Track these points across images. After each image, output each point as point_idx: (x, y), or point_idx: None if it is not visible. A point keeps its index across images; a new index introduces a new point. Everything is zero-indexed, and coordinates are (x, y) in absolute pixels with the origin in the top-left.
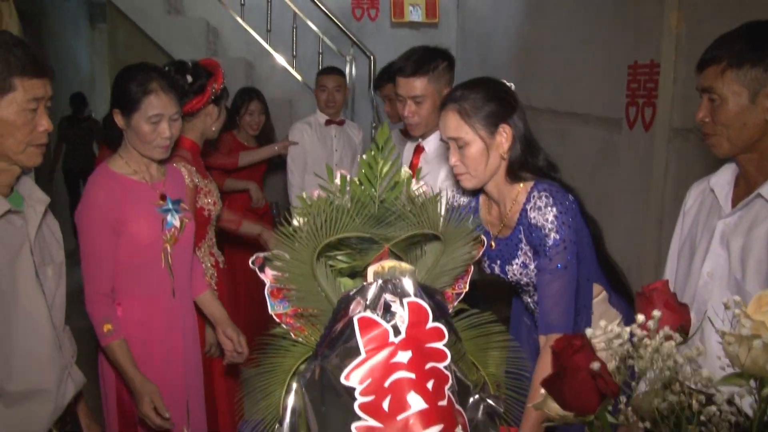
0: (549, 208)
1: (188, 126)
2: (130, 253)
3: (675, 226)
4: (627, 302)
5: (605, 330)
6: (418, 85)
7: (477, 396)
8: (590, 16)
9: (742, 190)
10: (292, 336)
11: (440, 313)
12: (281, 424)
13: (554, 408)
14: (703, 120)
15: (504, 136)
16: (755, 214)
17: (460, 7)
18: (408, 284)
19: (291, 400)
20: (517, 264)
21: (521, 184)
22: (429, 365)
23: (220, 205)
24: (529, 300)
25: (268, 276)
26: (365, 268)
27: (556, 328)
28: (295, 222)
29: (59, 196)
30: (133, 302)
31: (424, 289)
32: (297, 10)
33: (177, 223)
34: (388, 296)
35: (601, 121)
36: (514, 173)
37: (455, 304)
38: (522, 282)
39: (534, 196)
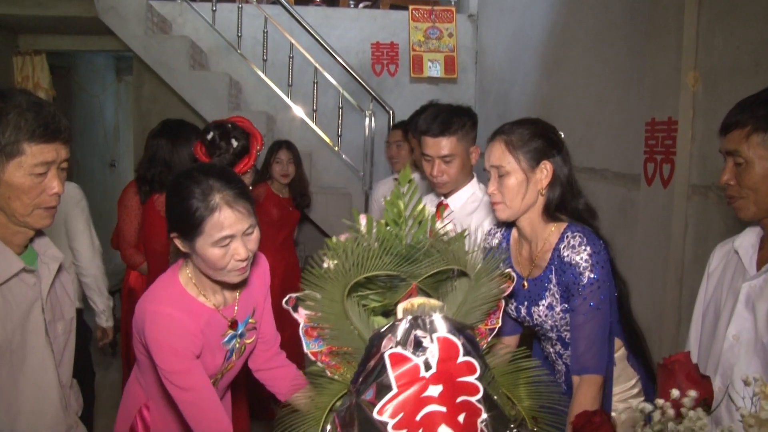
0: (583, 247)
1: None
2: None
3: (696, 285)
4: (643, 366)
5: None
6: (446, 144)
7: (515, 431)
8: (607, 73)
9: (767, 252)
10: (328, 374)
11: (471, 348)
12: None
13: None
14: (728, 183)
15: (545, 173)
16: None
17: (478, 63)
18: (438, 320)
19: None
20: (543, 305)
21: (554, 225)
22: (460, 399)
23: None
24: (550, 350)
25: (301, 316)
26: (395, 306)
27: (591, 369)
28: (325, 264)
29: None
30: (164, 412)
31: (454, 325)
32: (318, 65)
33: (238, 348)
34: (418, 332)
35: (619, 177)
36: (550, 212)
37: (489, 339)
38: (546, 326)
39: (567, 236)
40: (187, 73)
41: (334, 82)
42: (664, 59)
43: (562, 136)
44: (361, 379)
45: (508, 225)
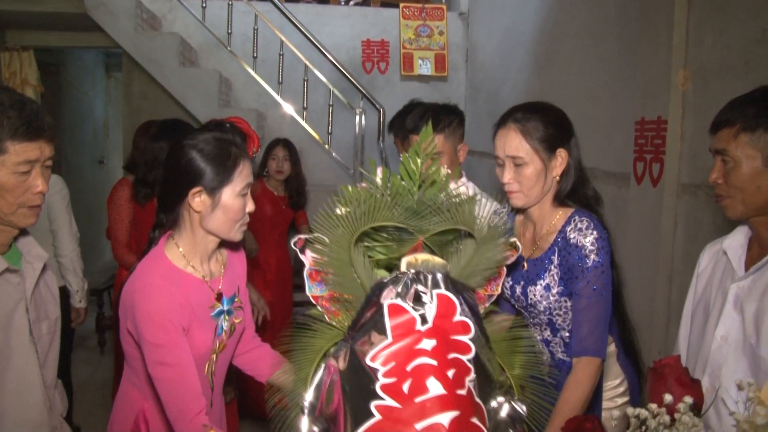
0: (590, 231)
1: None
2: None
3: (685, 284)
4: (633, 364)
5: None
6: (441, 143)
7: (502, 398)
8: (598, 71)
9: (756, 253)
10: (327, 319)
11: (468, 309)
12: (306, 396)
13: None
14: (717, 181)
15: (560, 161)
16: None
17: (469, 61)
18: (439, 277)
19: (318, 377)
20: (540, 285)
21: (562, 210)
22: (452, 355)
23: None
24: (538, 337)
25: (307, 258)
26: (399, 260)
27: (592, 351)
28: (337, 210)
29: None
30: (162, 411)
31: (455, 284)
32: (308, 63)
33: (227, 327)
34: (419, 287)
35: (609, 175)
36: (561, 199)
37: (487, 305)
38: (539, 307)
39: (575, 220)
40: (177, 70)
41: (324, 79)
42: (655, 58)
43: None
44: (358, 326)
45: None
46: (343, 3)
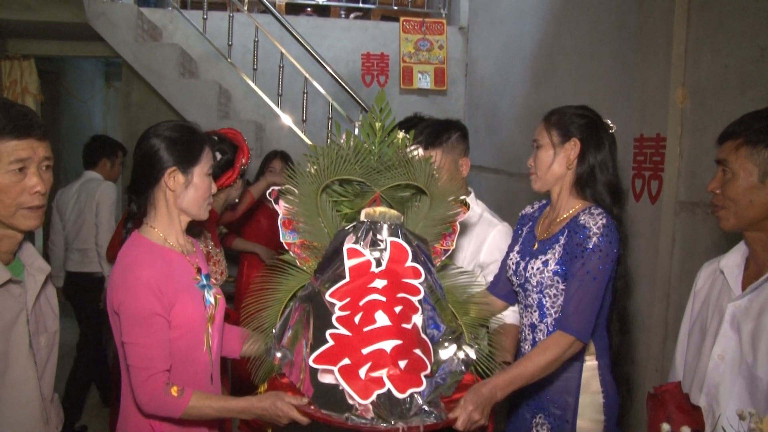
0: (600, 218)
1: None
2: (177, 336)
3: (682, 301)
4: (616, 382)
5: None
6: (437, 157)
7: (454, 343)
8: (596, 87)
9: (752, 272)
10: (298, 264)
11: (420, 257)
12: (276, 329)
13: None
14: (714, 191)
15: (573, 150)
16: (765, 298)
17: (468, 75)
18: (394, 227)
19: (287, 313)
20: (540, 260)
21: (581, 203)
22: (401, 295)
23: (226, 275)
24: (526, 322)
25: (281, 208)
26: (360, 211)
27: (574, 331)
28: (308, 169)
29: None
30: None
31: (408, 234)
32: (308, 75)
33: (213, 300)
34: (376, 235)
35: None
36: (580, 188)
37: (443, 258)
38: (532, 281)
39: (590, 208)
40: (176, 80)
41: (323, 92)
42: (653, 75)
43: (613, 128)
44: (322, 267)
45: (547, 200)
46: (343, 16)
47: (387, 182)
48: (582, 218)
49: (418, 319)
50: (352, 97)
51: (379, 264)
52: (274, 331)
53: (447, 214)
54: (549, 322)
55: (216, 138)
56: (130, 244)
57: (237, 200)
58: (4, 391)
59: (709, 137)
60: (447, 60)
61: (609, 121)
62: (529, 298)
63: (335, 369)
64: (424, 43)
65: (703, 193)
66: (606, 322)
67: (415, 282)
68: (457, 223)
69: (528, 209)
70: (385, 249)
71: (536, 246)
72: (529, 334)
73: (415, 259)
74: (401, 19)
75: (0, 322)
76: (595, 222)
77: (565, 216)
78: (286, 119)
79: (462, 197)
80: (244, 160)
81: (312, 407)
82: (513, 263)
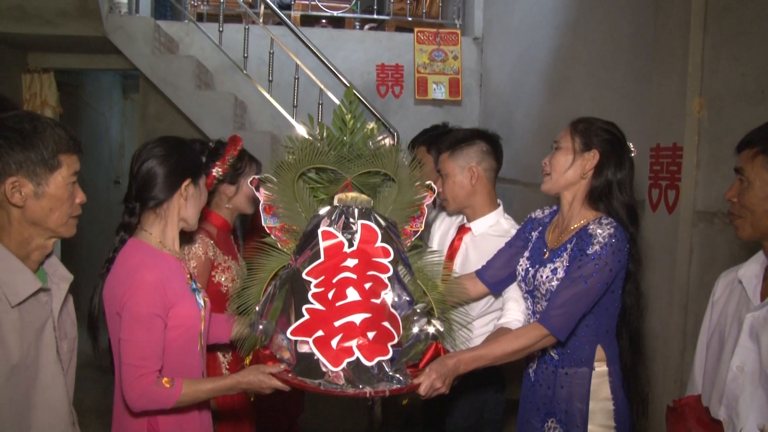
0: (609, 228)
1: (214, 204)
2: (176, 336)
3: (701, 312)
4: (626, 393)
5: None
6: (441, 161)
7: (424, 317)
8: (612, 98)
9: None
10: (279, 246)
11: (389, 237)
12: (259, 304)
13: None
14: (731, 200)
15: (591, 161)
16: None
17: (483, 85)
18: (365, 211)
19: (269, 291)
20: (549, 268)
21: (593, 214)
22: (371, 273)
23: (239, 283)
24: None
25: (262, 195)
26: (334, 196)
27: (550, 327)
28: (286, 158)
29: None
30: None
31: (377, 217)
32: (323, 86)
33: (203, 303)
34: (348, 218)
35: None
36: (593, 199)
37: (413, 239)
38: (542, 289)
39: (602, 219)
40: (192, 92)
41: (338, 103)
42: (670, 85)
43: (634, 152)
44: (300, 248)
45: (558, 206)
46: (358, 27)
47: (357, 170)
48: (591, 227)
49: (387, 294)
50: (367, 108)
51: (351, 244)
52: (257, 308)
53: (413, 198)
54: None
55: (209, 144)
56: (131, 248)
57: (250, 208)
58: (37, 395)
59: (727, 147)
60: (461, 70)
61: (631, 145)
62: (538, 305)
63: (310, 340)
64: (438, 53)
65: (721, 202)
66: (615, 330)
67: (385, 261)
68: (425, 206)
69: (538, 213)
70: (356, 231)
71: (547, 254)
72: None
73: (384, 239)
74: (415, 30)
75: (31, 330)
76: (602, 231)
77: (575, 225)
78: (302, 130)
79: (428, 182)
80: (220, 169)
81: (290, 375)
82: (523, 270)
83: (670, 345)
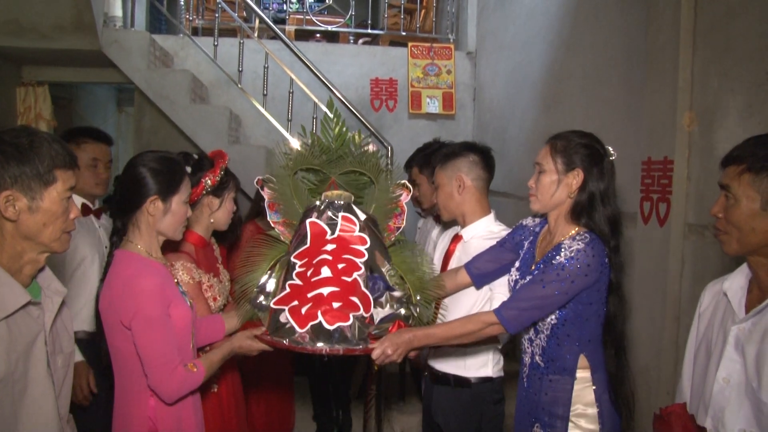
0: (581, 242)
1: (193, 218)
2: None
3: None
4: (611, 400)
5: None
6: (436, 174)
7: (400, 302)
8: (604, 112)
9: (755, 296)
10: (281, 238)
11: (367, 228)
12: (259, 284)
13: None
14: (717, 215)
15: (575, 180)
16: None
17: (476, 99)
18: (345, 206)
19: (267, 274)
20: (529, 278)
21: (577, 228)
22: (346, 256)
23: (222, 301)
24: (525, 335)
25: (266, 193)
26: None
27: (501, 317)
28: (284, 163)
29: None
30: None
31: (356, 210)
32: (317, 100)
33: (189, 304)
34: (331, 211)
35: None
36: (576, 215)
37: (396, 234)
38: None
39: (581, 233)
40: (187, 106)
41: (333, 117)
42: (661, 99)
43: (613, 156)
44: (294, 238)
45: (545, 217)
46: (352, 42)
47: (340, 170)
48: (566, 242)
49: (359, 275)
50: (362, 122)
51: (333, 233)
52: (257, 286)
53: (391, 197)
54: (543, 338)
55: (194, 156)
56: (122, 260)
57: (225, 224)
58: (24, 410)
59: (717, 160)
60: (455, 85)
61: (611, 148)
62: None
63: (286, 309)
64: (432, 68)
65: (711, 216)
66: (600, 339)
67: (361, 248)
68: (404, 204)
69: (529, 221)
70: (338, 222)
71: (533, 267)
72: (528, 348)
73: (362, 230)
74: (409, 44)
75: (20, 343)
76: (572, 245)
77: (558, 240)
78: (296, 144)
79: (402, 181)
80: (211, 179)
81: (268, 336)
82: (512, 280)
83: (663, 356)
